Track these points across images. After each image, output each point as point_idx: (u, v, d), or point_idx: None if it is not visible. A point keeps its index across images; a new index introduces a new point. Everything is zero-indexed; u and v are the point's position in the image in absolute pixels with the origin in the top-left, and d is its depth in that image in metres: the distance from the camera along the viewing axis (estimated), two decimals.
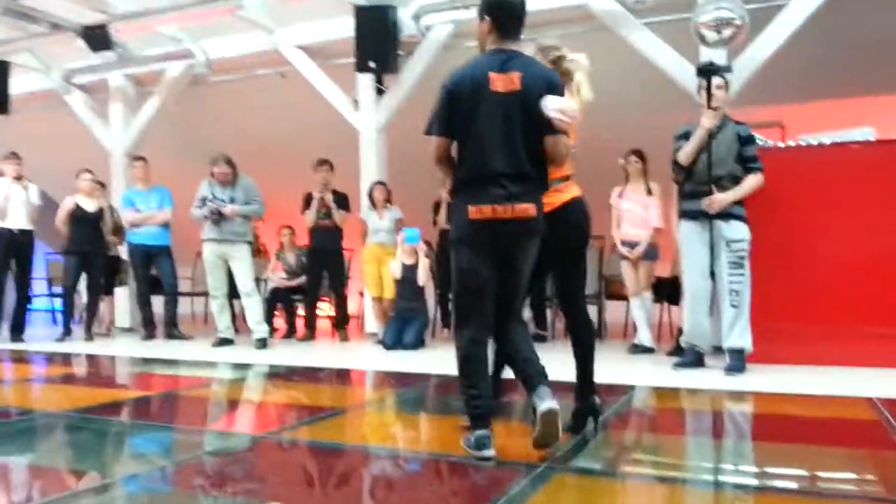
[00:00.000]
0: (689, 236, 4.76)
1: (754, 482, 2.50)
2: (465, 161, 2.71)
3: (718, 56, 4.92)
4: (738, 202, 4.61)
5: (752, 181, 4.63)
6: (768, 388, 4.19)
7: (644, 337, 5.77)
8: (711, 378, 4.52)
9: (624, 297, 6.32)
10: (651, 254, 5.79)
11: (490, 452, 2.58)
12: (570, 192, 3.11)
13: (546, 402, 2.59)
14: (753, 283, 4.86)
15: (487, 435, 2.62)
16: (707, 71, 4.59)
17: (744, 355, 4.62)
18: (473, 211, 2.63)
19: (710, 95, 4.62)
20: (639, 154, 5.90)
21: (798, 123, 7.12)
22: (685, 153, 4.70)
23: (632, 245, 5.79)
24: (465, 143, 2.71)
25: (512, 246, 2.72)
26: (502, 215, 2.63)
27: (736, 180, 4.61)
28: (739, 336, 4.60)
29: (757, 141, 4.78)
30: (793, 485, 2.47)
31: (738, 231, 4.59)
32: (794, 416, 3.59)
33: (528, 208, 2.66)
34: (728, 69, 4.59)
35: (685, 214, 4.79)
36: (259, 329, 6.31)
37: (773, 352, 4.91)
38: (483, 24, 2.85)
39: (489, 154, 2.66)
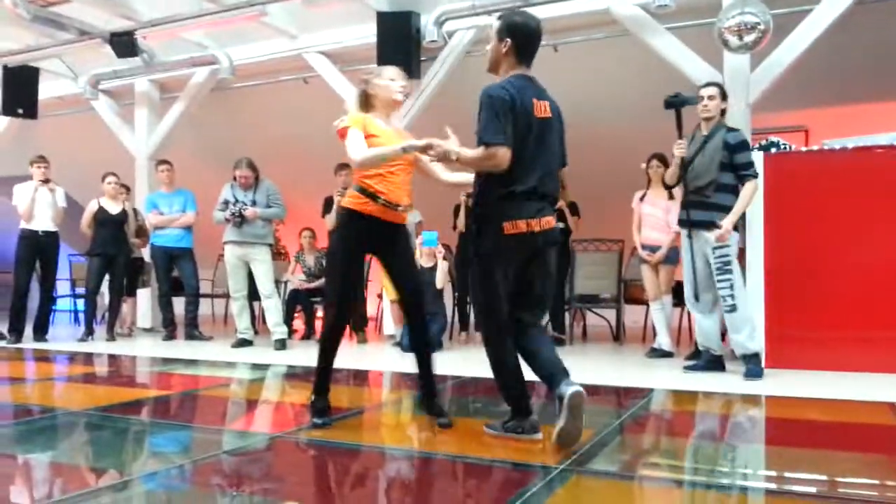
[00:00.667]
0: (683, 243, 4.83)
1: (772, 486, 2.47)
2: (518, 178, 2.84)
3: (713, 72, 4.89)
4: (723, 209, 4.59)
5: (748, 191, 4.59)
6: (787, 392, 4.15)
7: (663, 341, 5.73)
8: (729, 382, 4.48)
9: (643, 302, 6.28)
10: (672, 258, 5.75)
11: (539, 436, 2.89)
12: None
13: (574, 386, 2.71)
14: (773, 288, 4.83)
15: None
16: (673, 103, 4.64)
17: (759, 359, 4.59)
18: (522, 224, 2.83)
19: (680, 126, 4.73)
20: (661, 159, 5.87)
21: (822, 128, 7.07)
22: (668, 175, 4.98)
23: (653, 249, 5.76)
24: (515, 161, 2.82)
25: (547, 253, 2.97)
26: (544, 227, 2.89)
27: (721, 188, 4.60)
28: (748, 340, 4.56)
29: (747, 146, 4.70)
30: (811, 489, 2.44)
31: (714, 240, 4.57)
32: (813, 420, 3.55)
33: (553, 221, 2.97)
34: (694, 101, 4.66)
35: (679, 223, 4.89)
36: (278, 330, 6.35)
37: (794, 356, 4.87)
38: (502, 44, 2.95)
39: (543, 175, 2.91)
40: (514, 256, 2.88)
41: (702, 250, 4.67)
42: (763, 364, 4.63)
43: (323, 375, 3.30)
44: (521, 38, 2.93)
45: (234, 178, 6.45)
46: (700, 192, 4.63)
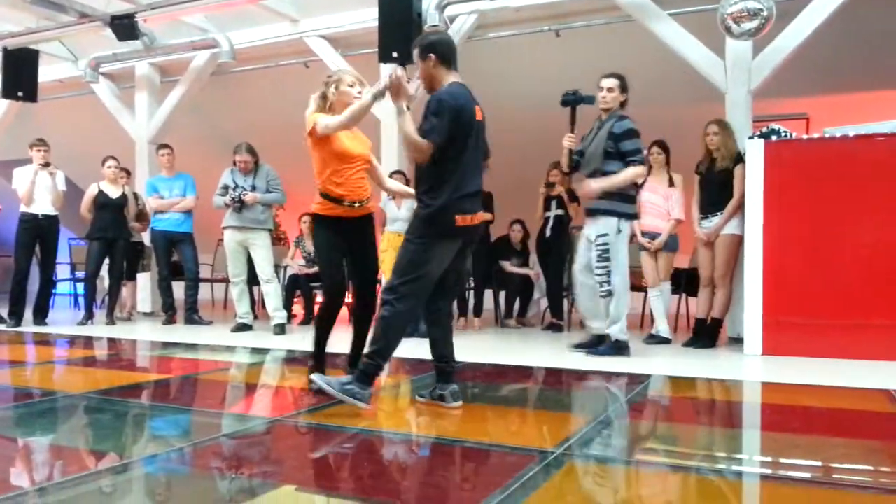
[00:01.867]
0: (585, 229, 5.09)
1: (768, 472, 2.49)
2: (468, 181, 3.23)
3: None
4: (606, 196, 4.75)
5: (627, 172, 4.74)
6: (784, 379, 4.18)
7: (661, 327, 5.75)
8: (728, 368, 4.50)
9: (642, 288, 6.29)
10: (671, 245, 5.76)
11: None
12: None
13: (456, 402, 3.28)
14: (771, 276, 4.86)
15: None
16: (568, 101, 4.79)
17: (614, 342, 4.88)
18: (460, 219, 3.17)
19: (573, 122, 4.91)
20: (661, 145, 5.86)
21: (823, 116, 7.05)
22: (562, 163, 5.16)
23: (652, 236, 5.77)
24: (455, 160, 3.17)
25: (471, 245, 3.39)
26: (474, 222, 3.26)
27: (606, 175, 4.76)
28: (619, 333, 4.85)
29: (634, 134, 4.80)
30: (807, 475, 2.45)
31: (599, 227, 4.80)
32: (811, 406, 3.57)
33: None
34: (591, 100, 4.85)
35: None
36: (277, 315, 6.36)
37: (791, 343, 4.90)
38: (428, 61, 3.28)
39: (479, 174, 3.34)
40: (455, 245, 3.26)
41: (589, 236, 4.92)
42: (628, 352, 4.89)
43: (318, 355, 3.70)
44: (441, 50, 3.28)
45: (234, 163, 6.45)
46: (591, 177, 4.86)
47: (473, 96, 3.28)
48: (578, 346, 5.15)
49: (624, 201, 4.84)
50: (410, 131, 3.13)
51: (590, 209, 4.93)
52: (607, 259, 4.78)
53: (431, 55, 3.26)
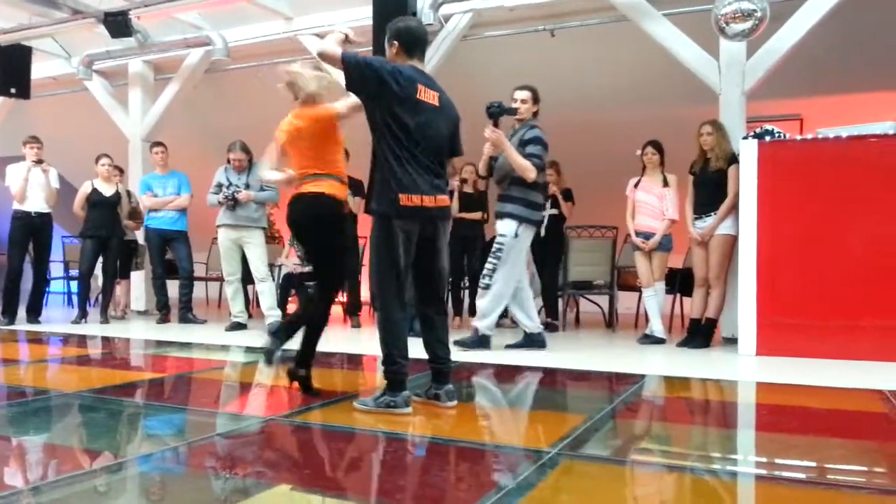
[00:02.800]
0: None
1: (762, 472, 2.50)
2: (411, 156, 3.18)
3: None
4: (513, 200, 5.02)
5: (521, 160, 4.91)
6: (779, 379, 4.19)
7: (656, 327, 5.76)
8: (722, 368, 4.52)
9: (636, 288, 6.31)
10: (666, 245, 5.77)
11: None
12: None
13: (452, 401, 3.31)
14: (765, 276, 4.88)
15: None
16: (492, 113, 4.87)
17: (479, 336, 5.17)
18: (417, 199, 3.15)
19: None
20: (655, 146, 5.87)
21: (817, 117, 7.08)
22: (481, 168, 5.35)
23: (647, 236, 5.78)
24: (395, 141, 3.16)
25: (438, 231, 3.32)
26: (439, 204, 3.26)
27: (514, 181, 4.99)
28: (487, 328, 5.18)
29: (539, 142, 5.00)
30: (802, 475, 2.46)
31: (500, 228, 5.08)
32: (805, 407, 3.58)
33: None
34: (513, 111, 5.03)
35: None
36: (272, 314, 6.35)
37: (785, 343, 4.92)
38: (392, 48, 3.30)
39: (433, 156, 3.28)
40: (409, 228, 3.16)
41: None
42: (489, 346, 5.21)
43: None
44: (405, 38, 3.28)
45: (228, 161, 6.45)
46: (500, 185, 5.13)
47: (429, 81, 3.28)
48: (510, 346, 5.35)
49: (528, 207, 5.04)
50: (333, 48, 3.22)
51: (497, 211, 5.17)
52: (498, 259, 5.03)
53: (395, 42, 3.29)
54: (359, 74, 3.12)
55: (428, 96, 3.21)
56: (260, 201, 6.43)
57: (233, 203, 6.25)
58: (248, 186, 6.32)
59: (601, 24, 6.70)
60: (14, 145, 7.22)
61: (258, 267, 6.39)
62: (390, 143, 3.14)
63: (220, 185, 6.34)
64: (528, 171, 4.92)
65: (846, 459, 2.65)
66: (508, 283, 5.09)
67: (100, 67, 8.79)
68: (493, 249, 5.10)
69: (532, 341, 5.28)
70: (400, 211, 3.12)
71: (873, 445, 2.84)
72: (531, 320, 5.29)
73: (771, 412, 3.57)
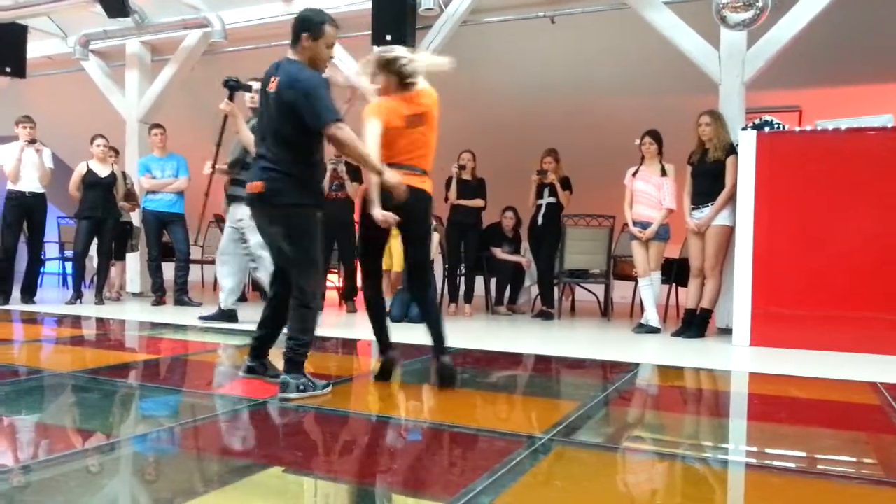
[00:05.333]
0: None
1: (753, 461, 2.50)
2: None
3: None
4: (244, 184, 5.11)
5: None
6: (773, 369, 4.20)
7: (651, 317, 5.78)
8: (716, 358, 4.53)
9: (632, 278, 6.31)
10: (663, 234, 5.77)
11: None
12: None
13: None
14: (761, 267, 4.89)
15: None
16: (230, 86, 4.96)
17: (226, 310, 5.74)
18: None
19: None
20: (654, 135, 5.86)
21: (816, 108, 7.07)
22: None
23: (644, 226, 5.78)
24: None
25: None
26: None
27: (245, 166, 5.18)
28: (229, 296, 5.75)
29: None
30: (793, 465, 2.47)
31: (238, 213, 5.45)
32: (798, 397, 3.60)
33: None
34: (249, 88, 5.09)
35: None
36: None
37: (780, 335, 4.93)
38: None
39: None
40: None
41: (232, 218, 5.61)
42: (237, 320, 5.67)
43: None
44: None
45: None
46: (233, 169, 5.45)
47: (275, 68, 3.25)
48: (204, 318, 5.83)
49: None
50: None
51: (230, 195, 5.58)
52: (246, 240, 5.45)
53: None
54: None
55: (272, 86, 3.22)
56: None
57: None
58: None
59: (602, 11, 6.67)
60: (7, 125, 7.18)
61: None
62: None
63: None
64: (251, 144, 5.10)
65: (837, 450, 2.66)
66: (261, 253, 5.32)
67: (96, 48, 8.73)
68: (238, 236, 5.53)
69: (225, 315, 5.79)
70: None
71: (864, 436, 2.85)
72: (225, 290, 5.82)
73: (763, 402, 3.58)
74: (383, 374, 3.59)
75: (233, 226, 5.63)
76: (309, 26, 3.23)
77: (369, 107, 3.37)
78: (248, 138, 5.10)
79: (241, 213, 5.39)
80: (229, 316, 5.80)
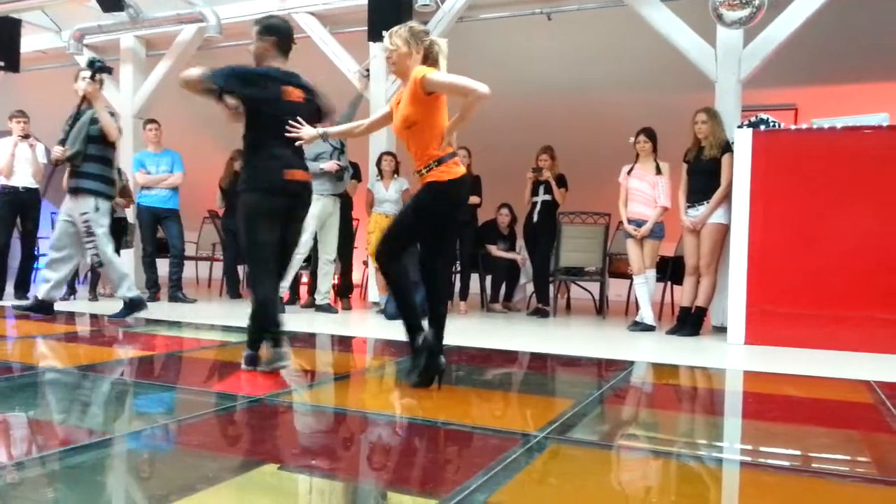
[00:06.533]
0: None
1: (748, 459, 2.51)
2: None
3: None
4: (91, 176, 5.33)
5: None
6: (767, 368, 4.21)
7: (646, 315, 5.78)
8: (711, 356, 4.53)
9: (627, 276, 6.32)
10: (657, 232, 5.78)
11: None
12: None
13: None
14: (756, 265, 4.90)
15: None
16: (94, 68, 5.17)
17: (128, 301, 5.50)
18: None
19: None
20: (648, 133, 5.86)
21: (812, 107, 7.08)
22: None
23: (639, 223, 5.78)
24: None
25: None
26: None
27: (87, 157, 5.29)
28: (118, 290, 5.52)
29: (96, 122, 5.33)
30: (787, 463, 2.48)
31: (80, 206, 5.31)
32: (792, 396, 3.61)
33: None
34: (109, 70, 5.36)
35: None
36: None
37: (775, 333, 4.94)
38: (265, 42, 3.70)
39: None
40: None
41: (71, 212, 5.40)
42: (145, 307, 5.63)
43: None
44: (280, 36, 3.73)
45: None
46: (73, 160, 5.32)
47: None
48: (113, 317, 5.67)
49: (105, 183, 5.40)
50: None
51: (72, 188, 5.40)
52: (92, 234, 5.32)
53: (268, 37, 3.70)
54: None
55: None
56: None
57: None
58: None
59: (598, 8, 6.67)
60: (1, 120, 7.14)
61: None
62: None
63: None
64: (113, 129, 5.30)
65: (831, 448, 2.66)
66: (109, 247, 5.42)
67: (91, 42, 8.69)
68: (83, 230, 5.37)
69: (42, 307, 5.61)
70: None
71: (858, 435, 2.86)
72: (55, 290, 5.61)
73: (757, 400, 3.59)
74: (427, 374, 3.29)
75: (67, 219, 5.42)
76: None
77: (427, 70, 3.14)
78: (108, 121, 5.25)
79: (85, 207, 5.30)
80: (46, 308, 5.61)
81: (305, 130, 3.57)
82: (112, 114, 5.54)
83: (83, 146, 5.28)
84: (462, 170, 3.25)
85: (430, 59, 3.24)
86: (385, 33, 3.33)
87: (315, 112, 3.79)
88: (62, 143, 5.31)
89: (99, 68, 5.05)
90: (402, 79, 3.32)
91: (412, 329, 3.32)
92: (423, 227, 3.30)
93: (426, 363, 3.22)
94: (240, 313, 6.15)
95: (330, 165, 6.29)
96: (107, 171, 5.42)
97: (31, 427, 2.75)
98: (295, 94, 3.67)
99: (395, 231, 3.38)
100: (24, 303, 5.88)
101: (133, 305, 5.49)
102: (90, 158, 5.31)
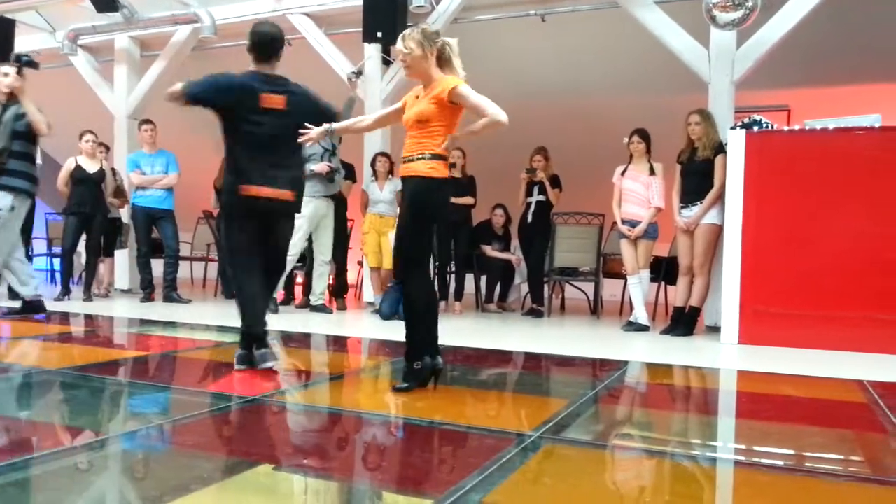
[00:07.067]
0: None
1: (741, 458, 2.52)
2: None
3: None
4: (15, 173, 5.34)
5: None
6: (761, 367, 4.23)
7: (640, 315, 5.80)
8: (704, 356, 4.55)
9: (621, 276, 6.33)
10: (651, 233, 5.80)
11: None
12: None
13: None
14: (749, 265, 4.92)
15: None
16: (21, 62, 5.20)
17: (27, 302, 5.62)
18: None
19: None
20: (642, 134, 5.88)
21: (804, 108, 7.11)
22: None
23: (633, 224, 5.80)
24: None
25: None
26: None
27: (13, 154, 5.28)
28: (21, 288, 5.66)
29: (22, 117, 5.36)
30: (780, 462, 2.49)
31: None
32: (786, 395, 3.62)
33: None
34: (35, 64, 5.44)
35: None
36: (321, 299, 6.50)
37: (768, 333, 4.96)
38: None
39: None
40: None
41: None
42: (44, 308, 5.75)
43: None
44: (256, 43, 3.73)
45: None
46: None
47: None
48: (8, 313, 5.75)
49: (28, 181, 5.41)
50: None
51: None
52: (3, 229, 5.32)
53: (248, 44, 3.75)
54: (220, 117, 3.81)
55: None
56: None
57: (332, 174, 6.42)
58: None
59: (592, 9, 6.69)
60: None
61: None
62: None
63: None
64: (42, 123, 5.32)
65: (824, 447, 2.68)
66: (13, 248, 5.51)
67: (85, 42, 8.68)
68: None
69: (30, 307, 5.71)
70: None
71: (851, 434, 2.88)
72: (26, 286, 5.71)
73: (751, 400, 3.60)
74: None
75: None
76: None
77: (460, 82, 3.22)
78: (36, 116, 5.25)
79: (1, 203, 5.31)
80: (36, 307, 5.77)
81: (313, 130, 3.59)
82: (39, 109, 5.50)
83: (8, 142, 5.29)
84: (447, 173, 3.30)
85: (443, 59, 3.28)
86: (400, 36, 3.30)
87: (307, 116, 3.70)
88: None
89: (25, 63, 5.06)
90: (418, 80, 3.33)
91: (411, 356, 3.31)
92: (427, 225, 3.31)
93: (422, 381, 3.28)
94: (234, 314, 6.15)
95: (320, 167, 6.27)
96: (31, 168, 5.44)
97: (25, 428, 2.74)
98: (274, 101, 3.65)
99: (402, 245, 3.30)
100: (16, 305, 5.87)
101: (34, 307, 5.72)
102: (14, 155, 5.32)
